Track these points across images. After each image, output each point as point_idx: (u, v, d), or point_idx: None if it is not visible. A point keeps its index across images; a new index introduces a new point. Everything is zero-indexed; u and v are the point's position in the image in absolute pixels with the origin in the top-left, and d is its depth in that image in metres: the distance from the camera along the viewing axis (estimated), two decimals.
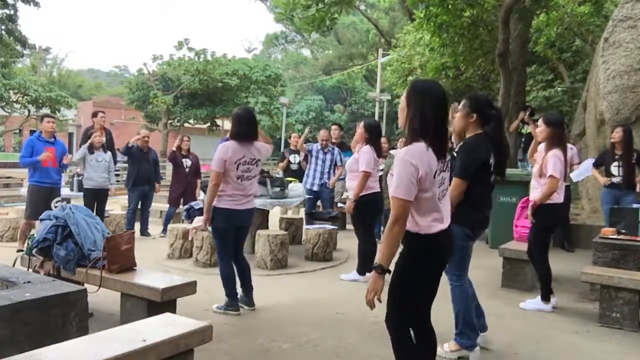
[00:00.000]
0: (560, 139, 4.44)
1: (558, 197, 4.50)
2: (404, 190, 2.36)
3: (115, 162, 7.74)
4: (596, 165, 6.59)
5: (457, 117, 3.55)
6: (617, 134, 6.35)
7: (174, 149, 8.16)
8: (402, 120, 2.57)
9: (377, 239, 7.20)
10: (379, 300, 2.46)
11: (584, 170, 6.51)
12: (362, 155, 5.32)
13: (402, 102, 2.58)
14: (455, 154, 3.39)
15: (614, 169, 6.39)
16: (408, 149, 2.43)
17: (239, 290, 4.40)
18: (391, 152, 8.21)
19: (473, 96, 3.68)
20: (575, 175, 6.57)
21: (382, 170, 7.56)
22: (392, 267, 2.54)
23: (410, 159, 2.38)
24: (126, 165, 8.27)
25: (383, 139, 8.24)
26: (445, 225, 2.55)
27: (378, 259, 2.46)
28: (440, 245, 2.55)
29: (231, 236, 4.28)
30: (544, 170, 4.40)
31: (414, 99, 2.50)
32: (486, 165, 3.45)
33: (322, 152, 7.58)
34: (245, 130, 4.20)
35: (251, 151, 4.21)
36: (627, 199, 6.29)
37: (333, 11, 10.63)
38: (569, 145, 6.99)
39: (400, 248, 2.52)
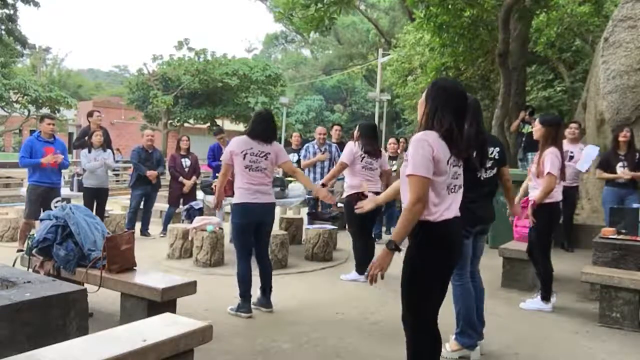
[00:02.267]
0: (555, 138, 4.44)
1: (557, 196, 4.50)
2: (422, 168, 2.42)
3: (114, 161, 7.74)
4: (603, 167, 6.59)
5: None
6: (628, 133, 6.37)
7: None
8: (419, 115, 2.66)
9: (376, 240, 7.24)
10: (382, 277, 2.48)
11: (587, 157, 6.49)
12: (345, 148, 5.60)
13: (422, 97, 2.66)
14: None
15: (620, 169, 6.39)
16: (424, 132, 2.52)
17: (258, 291, 4.41)
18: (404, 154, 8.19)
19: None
20: (580, 166, 6.56)
21: (395, 171, 7.53)
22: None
23: (426, 138, 2.47)
24: (126, 165, 8.27)
25: (392, 140, 8.23)
26: (453, 214, 2.58)
27: (393, 235, 2.47)
28: (450, 234, 2.55)
29: (250, 234, 4.30)
30: (541, 168, 4.40)
31: (432, 95, 2.59)
32: (469, 161, 3.40)
33: (320, 151, 7.56)
34: (258, 127, 4.33)
35: (261, 145, 4.28)
36: (631, 198, 6.31)
37: (332, 11, 10.64)
38: (581, 146, 7.01)
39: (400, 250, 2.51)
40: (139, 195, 7.80)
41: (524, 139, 9.23)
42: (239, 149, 4.21)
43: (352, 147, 5.47)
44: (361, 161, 5.48)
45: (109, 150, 7.40)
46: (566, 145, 6.07)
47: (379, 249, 6.25)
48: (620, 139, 6.41)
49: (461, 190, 2.68)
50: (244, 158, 4.21)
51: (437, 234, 2.52)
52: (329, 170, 7.66)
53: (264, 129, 4.32)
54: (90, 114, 7.75)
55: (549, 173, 4.30)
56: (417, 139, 2.48)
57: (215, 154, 8.63)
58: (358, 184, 5.38)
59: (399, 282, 2.61)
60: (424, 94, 2.65)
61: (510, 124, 9.83)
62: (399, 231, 2.45)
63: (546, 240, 4.67)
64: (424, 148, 2.44)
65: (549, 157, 4.33)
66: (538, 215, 4.47)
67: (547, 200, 4.42)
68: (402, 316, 2.63)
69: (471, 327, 3.47)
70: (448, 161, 2.51)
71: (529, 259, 4.85)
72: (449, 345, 3.50)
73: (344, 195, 5.66)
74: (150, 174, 7.73)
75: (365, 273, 5.45)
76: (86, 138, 7.37)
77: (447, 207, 2.54)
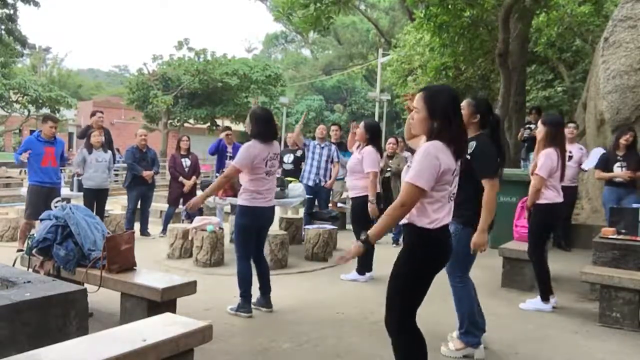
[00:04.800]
0: (554, 138, 4.45)
1: (556, 197, 4.49)
2: (424, 180, 2.41)
3: (115, 161, 7.73)
4: (601, 167, 6.59)
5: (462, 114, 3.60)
6: (631, 137, 6.39)
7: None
8: (420, 128, 2.58)
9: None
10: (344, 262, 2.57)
11: (593, 157, 6.50)
12: (366, 156, 5.32)
13: (422, 112, 2.55)
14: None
15: (617, 169, 6.41)
16: (433, 142, 2.48)
17: (257, 292, 4.41)
18: (403, 153, 8.18)
19: (480, 100, 3.74)
20: (586, 165, 6.57)
21: (389, 170, 7.54)
22: (389, 268, 2.54)
23: (436, 152, 2.44)
24: (125, 165, 8.25)
25: (392, 139, 8.23)
26: (447, 221, 2.60)
27: (371, 232, 2.50)
28: (442, 240, 2.59)
29: (254, 236, 4.32)
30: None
31: (431, 105, 2.53)
32: (496, 165, 3.49)
33: (319, 147, 7.56)
34: (267, 129, 4.28)
35: (272, 147, 4.30)
36: (629, 198, 6.31)
37: (330, 10, 10.63)
38: (579, 146, 7.01)
39: (396, 248, 2.53)
40: (135, 195, 7.80)
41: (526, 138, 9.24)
42: (262, 157, 4.17)
43: (377, 155, 5.36)
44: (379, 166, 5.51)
45: (109, 152, 7.39)
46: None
47: (377, 248, 6.26)
48: (621, 141, 6.42)
49: (454, 196, 2.70)
50: (266, 165, 4.20)
51: (432, 241, 2.56)
52: (325, 167, 7.64)
53: (269, 129, 4.31)
54: (93, 114, 7.77)
55: (535, 174, 4.35)
56: (427, 151, 2.45)
57: (219, 148, 8.46)
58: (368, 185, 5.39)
59: None
60: (419, 102, 2.57)
61: (511, 124, 9.84)
62: (377, 229, 2.48)
63: (540, 240, 4.68)
64: (432, 162, 2.43)
65: (542, 158, 4.38)
66: (536, 215, 4.48)
67: (543, 201, 4.43)
68: (384, 318, 2.64)
69: (475, 327, 3.48)
70: (454, 172, 2.54)
71: (530, 259, 4.84)
72: (452, 344, 3.51)
73: (351, 195, 5.65)
74: (147, 174, 7.73)
75: (367, 275, 5.50)
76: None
77: (445, 214, 2.57)
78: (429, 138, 2.53)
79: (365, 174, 5.33)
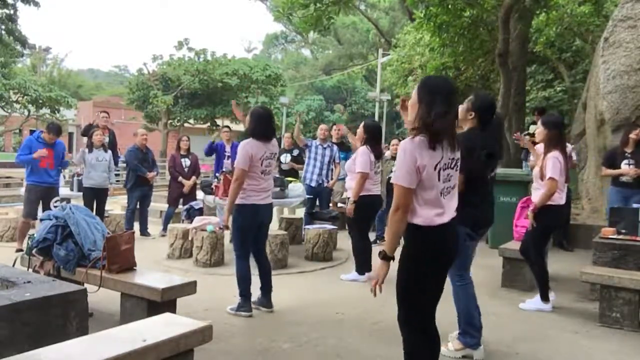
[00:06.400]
0: (558, 141, 4.43)
1: (560, 199, 4.48)
2: (403, 178, 2.43)
3: (117, 162, 7.73)
4: (606, 165, 6.49)
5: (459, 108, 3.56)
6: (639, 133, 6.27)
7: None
8: (411, 116, 2.57)
9: (377, 242, 7.25)
10: (380, 290, 2.52)
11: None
12: (358, 157, 5.35)
13: (414, 97, 2.57)
14: None
15: (625, 166, 6.24)
16: (411, 139, 2.48)
17: (258, 291, 4.40)
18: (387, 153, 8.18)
19: (479, 97, 3.66)
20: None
21: (392, 172, 7.55)
22: (395, 267, 2.54)
23: (411, 148, 2.44)
24: (125, 165, 8.26)
25: (395, 141, 8.21)
26: (446, 219, 2.55)
27: (384, 245, 2.52)
28: (442, 239, 2.54)
29: (253, 234, 4.31)
30: (544, 171, 4.40)
31: (425, 95, 2.51)
32: (481, 161, 3.43)
33: (321, 147, 7.55)
34: (265, 128, 4.29)
35: (269, 146, 4.30)
36: (636, 198, 6.08)
37: (330, 10, 10.65)
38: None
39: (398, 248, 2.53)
40: (137, 196, 7.80)
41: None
42: (258, 156, 4.19)
43: (369, 157, 5.34)
44: (374, 167, 5.49)
45: (110, 151, 7.39)
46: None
47: (375, 248, 6.26)
48: (632, 136, 6.26)
49: (455, 192, 2.66)
50: (262, 164, 4.21)
51: (426, 239, 2.52)
52: (327, 167, 7.64)
53: (268, 128, 4.32)
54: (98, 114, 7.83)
55: (551, 178, 4.29)
56: (402, 147, 2.47)
57: (212, 148, 8.49)
58: (368, 187, 5.39)
59: None
60: (414, 94, 2.56)
61: (511, 124, 9.84)
62: (388, 241, 2.51)
63: (541, 242, 4.67)
64: (407, 158, 2.43)
65: (551, 161, 4.32)
66: (539, 217, 4.47)
67: (549, 203, 4.41)
68: (397, 316, 2.64)
69: (473, 327, 3.47)
70: (436, 166, 2.47)
71: (524, 258, 4.84)
72: (452, 345, 3.51)
73: (349, 195, 5.64)
74: (151, 175, 7.76)
75: (366, 275, 5.50)
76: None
77: (438, 213, 2.51)
78: (414, 124, 2.51)
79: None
